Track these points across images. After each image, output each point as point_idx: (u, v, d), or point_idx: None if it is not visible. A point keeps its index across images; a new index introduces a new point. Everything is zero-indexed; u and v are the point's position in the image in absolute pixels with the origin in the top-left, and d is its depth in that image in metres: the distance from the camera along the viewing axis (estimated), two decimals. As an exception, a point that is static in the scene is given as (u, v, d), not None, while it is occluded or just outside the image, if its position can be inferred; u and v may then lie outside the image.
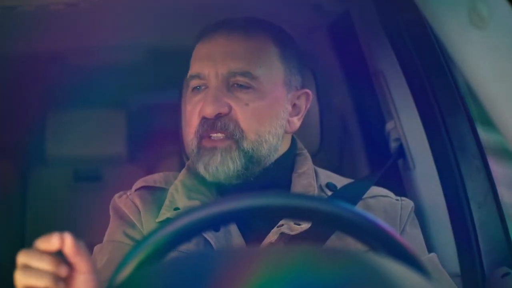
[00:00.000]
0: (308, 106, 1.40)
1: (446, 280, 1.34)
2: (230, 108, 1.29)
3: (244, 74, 1.30)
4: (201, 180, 1.36)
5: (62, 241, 0.93)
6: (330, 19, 1.93)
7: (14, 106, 2.60)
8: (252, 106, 1.30)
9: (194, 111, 1.32)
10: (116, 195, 1.42)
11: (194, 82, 1.34)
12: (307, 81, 1.47)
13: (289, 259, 0.74)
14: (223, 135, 1.29)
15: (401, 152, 1.72)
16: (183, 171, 1.42)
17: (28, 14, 1.61)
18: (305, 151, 1.42)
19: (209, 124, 1.29)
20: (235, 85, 1.30)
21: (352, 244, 1.26)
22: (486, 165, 1.56)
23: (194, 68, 1.34)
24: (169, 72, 2.06)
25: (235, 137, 1.29)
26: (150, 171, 2.18)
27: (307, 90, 1.40)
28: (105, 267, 1.28)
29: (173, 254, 0.89)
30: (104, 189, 2.44)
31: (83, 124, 2.47)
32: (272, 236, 1.28)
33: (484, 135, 1.58)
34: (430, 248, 1.44)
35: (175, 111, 1.64)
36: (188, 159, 1.59)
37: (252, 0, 1.57)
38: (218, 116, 1.29)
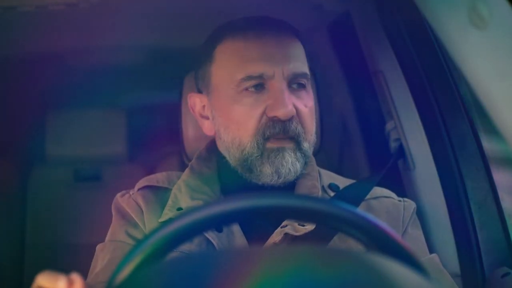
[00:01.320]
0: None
1: (447, 281, 1.34)
2: (297, 109, 1.29)
3: (303, 75, 1.31)
4: (204, 180, 1.36)
5: (70, 284, 0.85)
6: (330, 19, 1.93)
7: (14, 106, 2.60)
8: (309, 107, 1.32)
9: (254, 112, 1.29)
10: (119, 194, 1.41)
11: (251, 82, 1.29)
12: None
13: (291, 260, 0.74)
14: (286, 136, 1.28)
15: (401, 152, 1.72)
16: (186, 171, 1.41)
17: (28, 14, 1.62)
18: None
19: (281, 127, 1.28)
20: (294, 85, 1.30)
21: (355, 245, 1.26)
22: (486, 165, 1.56)
23: (253, 68, 1.29)
24: (169, 72, 2.07)
25: (299, 139, 1.29)
26: (150, 171, 2.19)
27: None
28: (107, 267, 1.28)
29: (174, 254, 0.89)
30: (104, 189, 2.44)
31: (83, 124, 2.47)
32: (276, 236, 1.27)
33: (484, 138, 1.58)
34: (430, 248, 1.44)
35: (175, 111, 1.64)
36: (188, 159, 1.59)
37: (253, 0, 1.57)
38: (291, 118, 1.28)
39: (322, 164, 1.47)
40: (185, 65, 1.56)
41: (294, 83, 1.30)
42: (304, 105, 1.30)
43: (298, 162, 1.29)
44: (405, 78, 1.66)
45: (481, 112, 1.53)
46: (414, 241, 1.36)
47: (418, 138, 1.66)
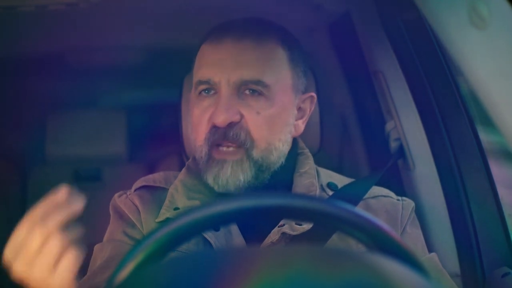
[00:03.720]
0: (312, 109, 1.40)
1: (447, 280, 1.34)
2: (242, 116, 1.27)
3: (256, 82, 1.27)
4: (201, 180, 1.36)
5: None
6: (330, 19, 1.93)
7: (14, 106, 2.60)
8: (263, 114, 1.28)
9: (204, 117, 1.29)
10: (116, 195, 1.41)
11: (202, 86, 1.30)
12: (307, 82, 1.48)
13: (289, 259, 0.74)
14: (234, 145, 1.27)
15: (401, 152, 1.72)
16: (183, 170, 1.41)
17: (28, 14, 1.61)
18: (306, 151, 1.42)
19: (220, 134, 1.26)
20: (247, 91, 1.28)
21: (353, 244, 1.26)
22: (486, 165, 1.56)
23: (203, 73, 1.30)
24: (169, 72, 2.07)
25: (245, 146, 1.27)
26: (150, 171, 2.19)
27: (313, 94, 1.39)
28: (105, 267, 1.28)
29: (172, 254, 0.89)
30: (104, 189, 2.44)
31: (83, 124, 2.47)
32: (273, 236, 1.27)
33: (484, 135, 1.57)
34: (430, 248, 1.44)
35: (175, 111, 1.64)
36: (188, 159, 1.59)
37: (253, 0, 1.57)
38: (230, 124, 1.26)
39: (322, 163, 1.47)
40: (185, 65, 1.56)
41: (245, 90, 1.28)
42: (256, 112, 1.27)
43: (242, 173, 1.27)
44: (405, 78, 1.66)
45: (481, 112, 1.53)
46: (413, 240, 1.36)
47: (418, 138, 1.66)
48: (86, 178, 2.50)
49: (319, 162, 1.45)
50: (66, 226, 0.94)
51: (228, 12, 1.38)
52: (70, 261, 0.93)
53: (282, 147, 1.31)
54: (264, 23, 1.36)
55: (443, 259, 1.45)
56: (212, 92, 1.30)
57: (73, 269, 0.94)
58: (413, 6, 1.08)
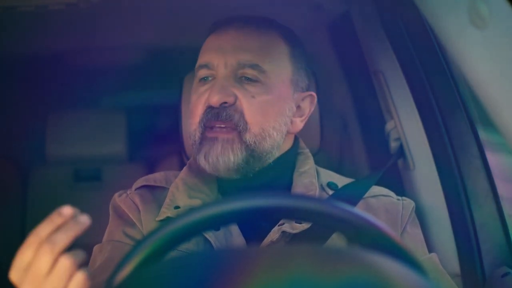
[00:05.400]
0: (312, 109, 1.40)
1: (447, 280, 1.34)
2: (236, 98, 1.28)
3: (253, 66, 1.29)
4: (202, 178, 1.36)
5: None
6: (330, 19, 1.93)
7: (14, 106, 2.60)
8: (259, 99, 1.29)
9: (200, 101, 1.31)
10: (116, 194, 1.41)
11: (202, 72, 1.32)
12: (308, 82, 1.48)
13: (290, 259, 0.74)
14: (226, 125, 1.28)
15: (401, 152, 1.72)
16: (184, 169, 1.41)
17: (28, 14, 1.61)
18: (306, 150, 1.42)
19: (213, 114, 1.28)
20: (243, 77, 1.30)
21: (353, 244, 1.26)
22: (486, 165, 1.56)
23: (203, 58, 1.33)
24: (169, 72, 2.07)
25: (238, 128, 1.28)
26: (150, 171, 2.19)
27: (312, 93, 1.40)
28: (104, 267, 1.28)
29: (172, 254, 0.89)
30: (104, 188, 2.44)
31: (83, 124, 2.47)
32: (273, 235, 1.27)
33: (484, 135, 1.58)
34: (430, 248, 1.44)
35: (175, 111, 1.64)
36: (188, 158, 1.59)
37: (253, 0, 1.57)
38: (224, 105, 1.27)
39: (322, 163, 1.47)
40: (185, 65, 1.56)
41: (242, 75, 1.30)
42: (251, 96, 1.29)
43: (232, 153, 1.27)
44: (405, 78, 1.66)
45: (481, 112, 1.53)
46: (413, 240, 1.36)
47: (418, 138, 1.66)
48: (86, 178, 2.50)
49: (319, 162, 1.45)
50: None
51: (228, 12, 1.38)
52: (79, 283, 0.90)
53: (276, 136, 1.31)
54: (266, 18, 1.38)
55: (443, 259, 1.45)
56: (210, 78, 1.32)
57: None
58: (413, 6, 1.08)
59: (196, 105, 1.32)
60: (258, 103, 1.29)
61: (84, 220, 0.91)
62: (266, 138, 1.30)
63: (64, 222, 0.91)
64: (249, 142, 1.28)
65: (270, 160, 1.33)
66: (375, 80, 1.77)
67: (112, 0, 1.65)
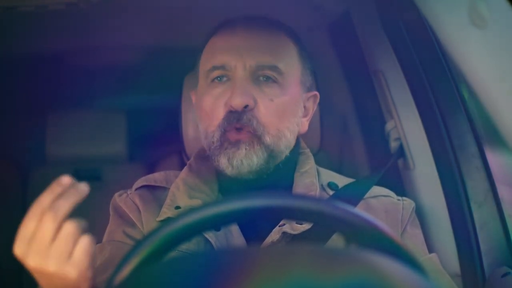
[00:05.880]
0: (315, 108, 1.40)
1: (447, 280, 1.34)
2: (256, 102, 1.28)
3: (272, 68, 1.30)
4: (203, 179, 1.36)
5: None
6: (330, 19, 1.93)
7: (14, 106, 2.60)
8: (276, 102, 1.29)
9: (218, 103, 1.30)
10: (116, 194, 1.41)
11: (216, 73, 1.31)
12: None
13: (290, 259, 0.74)
14: (247, 128, 1.28)
15: (401, 152, 1.72)
16: (185, 169, 1.41)
17: (28, 14, 1.61)
18: (307, 150, 1.42)
19: (235, 117, 1.27)
20: (261, 78, 1.30)
21: (354, 245, 1.26)
22: (486, 165, 1.56)
23: (217, 59, 1.31)
24: (169, 72, 2.06)
25: (257, 132, 1.28)
26: (150, 171, 2.18)
27: (316, 93, 1.40)
28: (104, 267, 1.28)
29: (173, 254, 0.89)
30: (104, 188, 2.43)
31: (83, 124, 2.47)
32: (274, 235, 1.27)
33: (484, 138, 1.58)
34: (430, 248, 1.44)
35: (175, 111, 1.64)
36: (188, 158, 1.59)
37: (253, 0, 1.57)
38: (245, 108, 1.27)
39: (322, 163, 1.47)
40: (185, 65, 1.56)
41: (260, 76, 1.30)
42: (270, 99, 1.29)
43: (256, 156, 1.28)
44: (405, 78, 1.66)
45: (481, 112, 1.53)
46: (413, 240, 1.36)
47: (418, 138, 1.66)
48: (86, 178, 2.49)
49: (319, 161, 1.45)
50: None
51: (228, 12, 1.38)
52: (85, 247, 0.93)
53: (290, 137, 1.32)
54: (270, 19, 1.38)
55: (443, 259, 1.45)
56: (225, 79, 1.31)
57: (89, 255, 0.94)
58: (413, 6, 1.08)
59: (214, 107, 1.30)
60: (275, 106, 1.29)
61: (83, 187, 0.95)
62: (282, 139, 1.31)
63: (64, 190, 0.93)
64: (268, 143, 1.29)
65: (282, 160, 1.33)
66: (375, 80, 1.77)
67: (112, 0, 1.65)
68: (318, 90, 1.50)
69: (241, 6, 1.46)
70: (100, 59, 2.43)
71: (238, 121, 1.27)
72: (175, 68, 1.80)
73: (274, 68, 1.29)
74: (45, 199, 0.93)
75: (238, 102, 1.26)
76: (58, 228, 0.92)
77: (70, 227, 0.92)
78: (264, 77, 1.30)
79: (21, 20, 1.74)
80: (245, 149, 1.28)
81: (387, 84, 1.71)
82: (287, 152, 1.33)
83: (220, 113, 1.29)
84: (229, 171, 1.29)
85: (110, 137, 2.48)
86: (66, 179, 0.94)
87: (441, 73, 1.57)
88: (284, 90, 1.31)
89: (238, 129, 1.28)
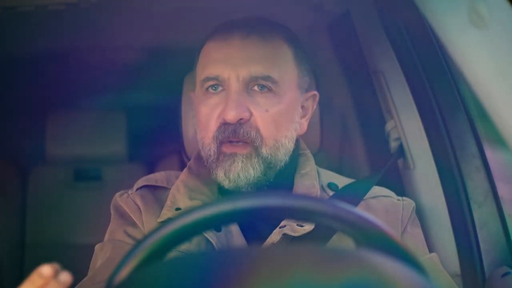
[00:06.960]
0: (314, 107, 1.40)
1: (447, 280, 1.34)
2: (251, 113, 1.27)
3: (266, 78, 1.28)
4: (203, 180, 1.36)
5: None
6: (330, 19, 1.93)
7: (14, 106, 2.60)
8: (272, 112, 1.28)
9: (212, 115, 1.29)
10: (117, 194, 1.41)
11: (210, 83, 1.30)
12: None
13: (291, 259, 0.74)
14: (243, 140, 1.27)
15: (401, 152, 1.72)
16: (185, 171, 1.41)
17: (28, 14, 1.61)
18: (307, 152, 1.42)
19: (230, 130, 1.27)
20: (255, 87, 1.29)
21: (353, 245, 1.26)
22: (486, 165, 1.56)
23: (210, 70, 1.30)
24: (169, 72, 2.06)
25: (255, 144, 1.27)
26: (150, 171, 2.19)
27: (315, 92, 1.40)
28: (105, 266, 1.28)
29: (173, 254, 0.89)
30: (104, 188, 2.45)
31: (83, 124, 2.47)
32: (274, 237, 1.27)
33: (484, 138, 1.58)
34: (430, 248, 1.44)
35: (175, 111, 1.64)
36: (188, 159, 1.59)
37: (253, 0, 1.57)
38: (240, 121, 1.27)
39: (322, 163, 1.47)
40: (185, 65, 1.56)
41: (254, 86, 1.29)
42: (265, 110, 1.28)
43: (252, 168, 1.27)
44: (405, 78, 1.66)
45: (481, 112, 1.53)
46: (413, 240, 1.36)
47: (418, 138, 1.66)
48: (86, 178, 2.50)
49: (319, 162, 1.45)
50: None
51: (228, 12, 1.38)
52: None
53: (288, 144, 1.32)
54: (268, 21, 1.37)
55: (443, 259, 1.45)
56: (220, 89, 1.30)
57: None
58: (413, 6, 1.08)
59: (208, 119, 1.30)
60: (271, 116, 1.28)
61: (66, 277, 0.80)
62: (279, 149, 1.30)
63: (45, 283, 0.80)
64: (265, 155, 1.28)
65: (282, 166, 1.33)
66: (375, 80, 1.77)
67: (112, 0, 1.65)
68: (318, 90, 1.50)
69: (241, 6, 1.46)
70: (100, 59, 2.43)
71: (234, 134, 1.27)
72: (175, 68, 1.80)
73: (268, 78, 1.28)
74: None
75: (232, 115, 1.25)
76: None
77: None
78: (259, 86, 1.29)
79: (21, 20, 1.74)
80: (242, 161, 1.27)
81: (387, 84, 1.71)
82: (286, 159, 1.32)
83: (214, 125, 1.29)
84: (226, 184, 1.29)
85: (110, 137, 2.48)
86: (46, 270, 0.79)
87: (441, 73, 1.57)
88: (280, 98, 1.29)
89: (233, 142, 1.28)
